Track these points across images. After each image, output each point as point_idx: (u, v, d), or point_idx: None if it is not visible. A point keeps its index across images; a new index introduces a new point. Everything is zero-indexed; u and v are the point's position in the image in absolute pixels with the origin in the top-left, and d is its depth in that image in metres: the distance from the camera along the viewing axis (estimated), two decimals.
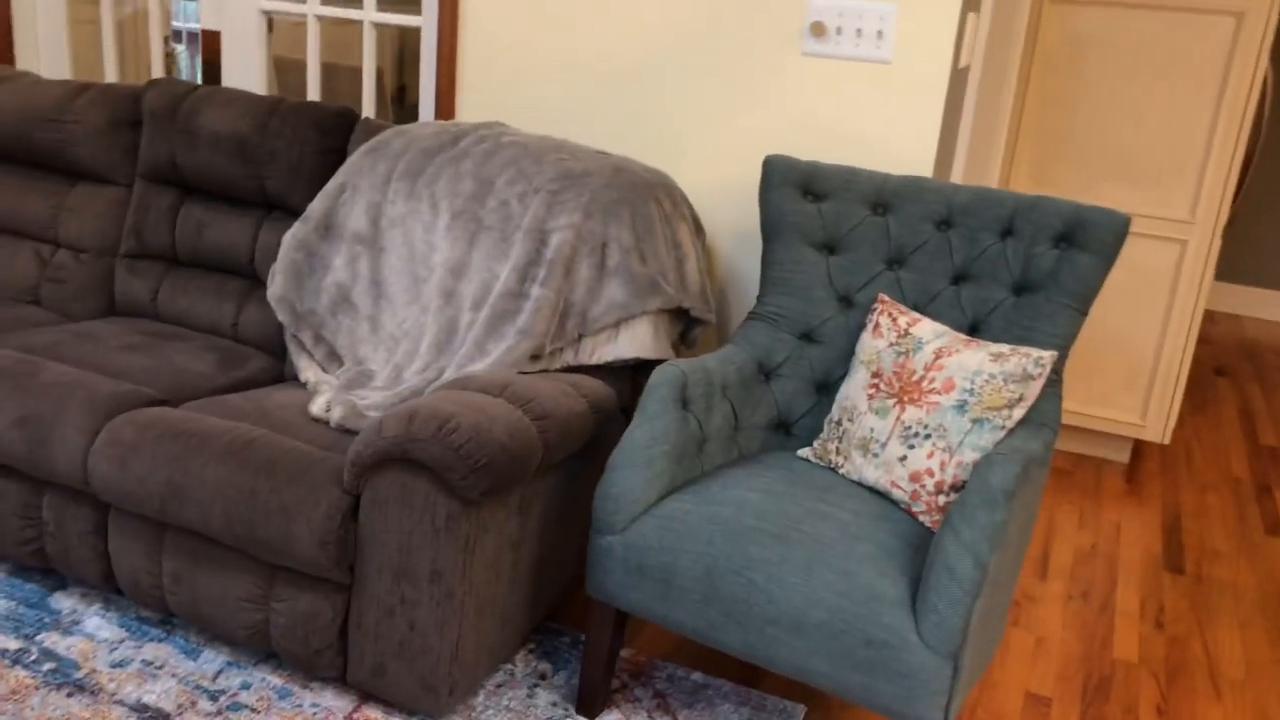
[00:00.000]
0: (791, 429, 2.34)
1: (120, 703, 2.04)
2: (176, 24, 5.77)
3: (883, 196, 2.32)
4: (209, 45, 3.24)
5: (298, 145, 2.65)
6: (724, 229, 2.71)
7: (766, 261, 2.39)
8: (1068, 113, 3.49)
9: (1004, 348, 2.02)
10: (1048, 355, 1.98)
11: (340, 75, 4.39)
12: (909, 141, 2.46)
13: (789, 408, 2.33)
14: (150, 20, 3.48)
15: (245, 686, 2.12)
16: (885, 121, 2.48)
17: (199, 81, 3.30)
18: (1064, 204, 2.14)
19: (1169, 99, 3.37)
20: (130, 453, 2.09)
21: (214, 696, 2.08)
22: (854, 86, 2.49)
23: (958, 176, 2.75)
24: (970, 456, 1.96)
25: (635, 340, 2.35)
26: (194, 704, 2.06)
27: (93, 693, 2.06)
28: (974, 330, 2.20)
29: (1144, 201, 3.47)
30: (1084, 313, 2.10)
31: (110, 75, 3.65)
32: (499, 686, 2.20)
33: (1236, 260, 6.05)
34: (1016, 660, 2.51)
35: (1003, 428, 1.97)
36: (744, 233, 2.70)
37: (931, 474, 1.99)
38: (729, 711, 2.19)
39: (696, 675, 2.30)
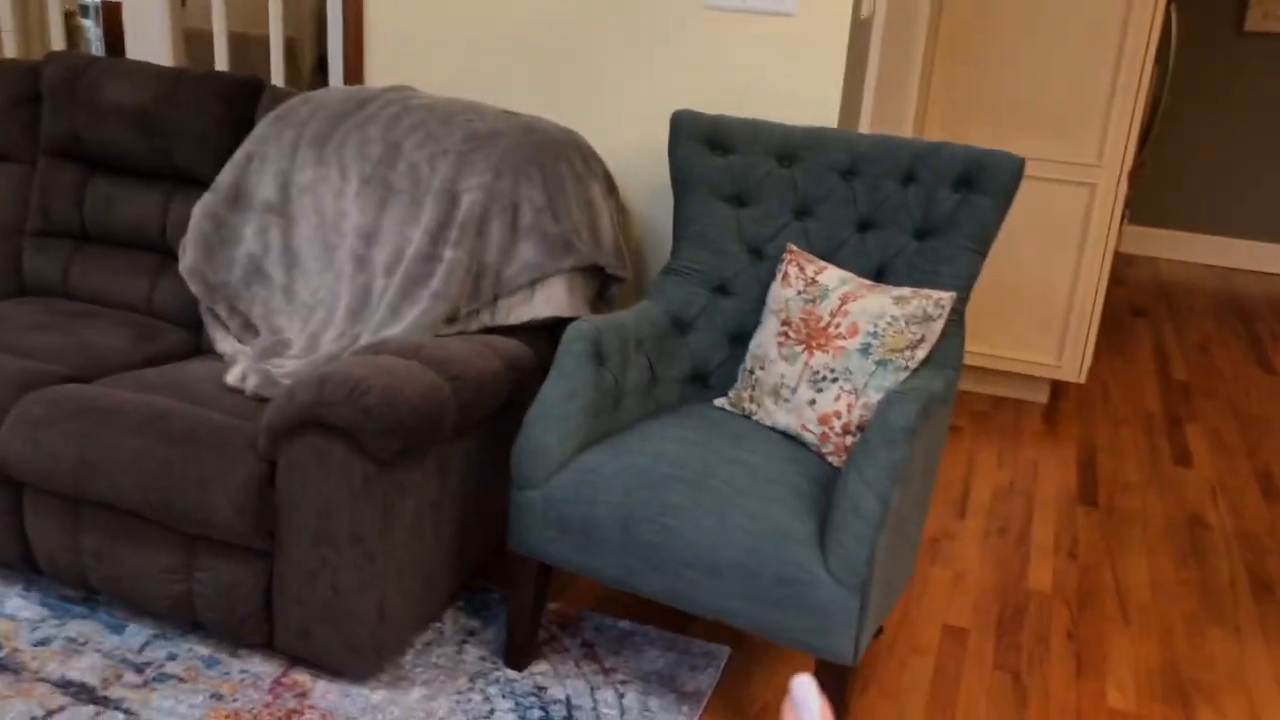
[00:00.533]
0: (708, 380, 2.38)
1: (44, 680, 2.04)
2: None
3: (788, 148, 2.35)
4: (110, 17, 3.17)
5: (203, 116, 2.62)
6: (637, 186, 2.73)
7: (678, 217, 2.41)
8: (977, 63, 3.55)
9: (905, 291, 2.07)
10: (947, 296, 2.04)
11: (257, 46, 4.32)
12: (813, 93, 2.50)
13: (705, 359, 2.37)
14: None
15: (172, 657, 2.13)
16: (790, 73, 2.51)
17: (99, 54, 3.24)
18: (961, 149, 2.19)
19: (1072, 47, 3.44)
20: (42, 430, 2.08)
21: (140, 669, 2.09)
22: (758, 39, 2.51)
23: (865, 127, 2.80)
24: (875, 398, 2.02)
25: (551, 299, 2.37)
26: (120, 677, 2.06)
27: (15, 671, 2.06)
28: (879, 275, 2.25)
29: (1053, 147, 3.55)
30: (983, 254, 2.16)
31: (10, 51, 3.56)
32: (428, 645, 2.23)
33: (1151, 204, 6.21)
34: (935, 595, 2.59)
35: (906, 368, 2.02)
36: (657, 189, 2.72)
37: (839, 416, 2.04)
38: (655, 656, 2.25)
39: (624, 624, 2.35)
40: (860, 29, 2.58)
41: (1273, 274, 6.04)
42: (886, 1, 2.74)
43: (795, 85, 2.51)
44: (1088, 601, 2.61)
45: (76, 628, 2.20)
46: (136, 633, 2.20)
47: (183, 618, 2.12)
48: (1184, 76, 5.97)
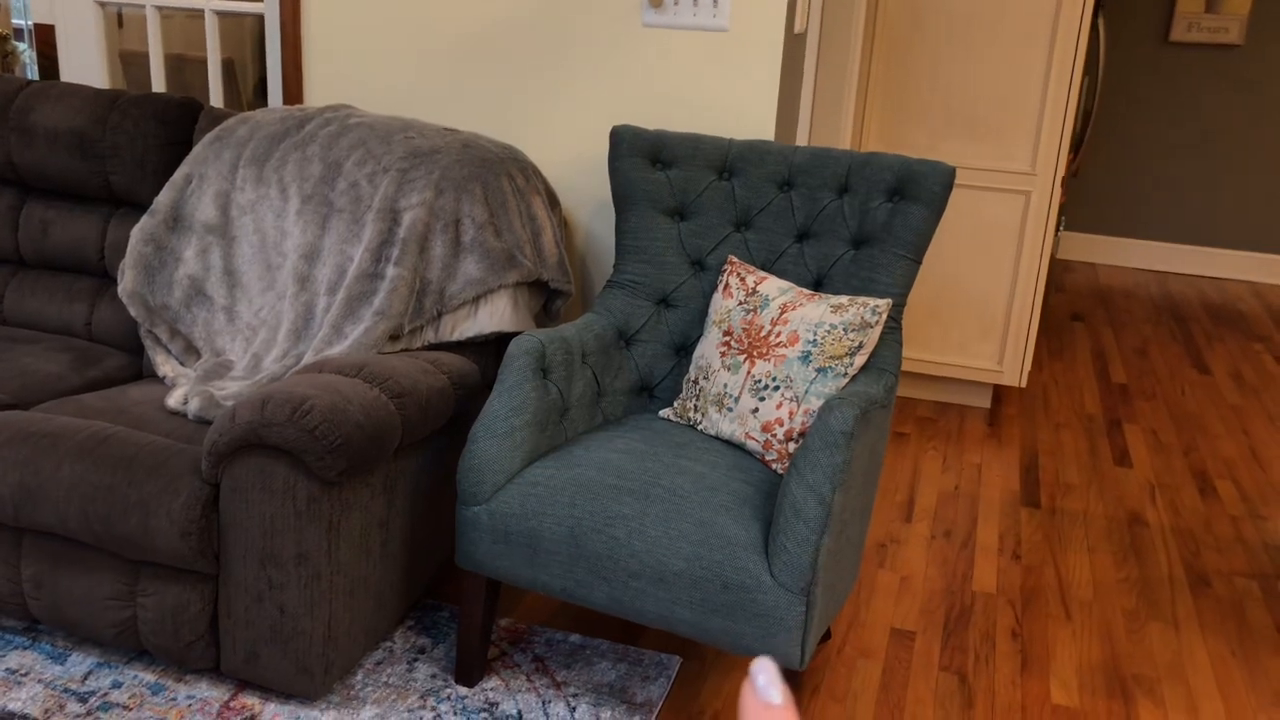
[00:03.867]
0: (654, 391, 2.40)
1: None
2: (17, 21, 5.54)
3: (727, 161, 2.39)
4: (43, 39, 3.14)
5: (140, 138, 2.60)
6: (580, 200, 2.75)
7: (620, 230, 2.44)
8: (912, 74, 3.62)
9: (843, 299, 2.11)
10: (883, 304, 2.08)
11: (194, 68, 4.29)
12: (750, 107, 2.54)
13: (650, 371, 2.39)
14: None
15: (116, 685, 2.10)
16: (726, 88, 2.55)
17: (35, 78, 3.20)
18: (894, 159, 2.24)
19: (1004, 57, 3.53)
20: None
21: (83, 698, 2.06)
22: (694, 55, 2.55)
23: (803, 139, 2.85)
24: (816, 404, 2.05)
25: (495, 314, 2.38)
26: (62, 707, 2.03)
27: None
28: (818, 284, 2.29)
29: (987, 156, 3.63)
30: (918, 261, 2.21)
31: None
32: (378, 664, 2.22)
33: (1087, 210, 6.35)
34: (882, 599, 2.63)
35: (845, 375, 2.06)
36: (600, 203, 2.74)
37: (781, 423, 2.07)
38: (606, 668, 2.25)
39: (575, 637, 2.36)
40: (794, 43, 2.63)
41: (1206, 277, 6.19)
42: (820, 16, 2.79)
43: (732, 99, 2.55)
44: (1031, 601, 2.66)
45: (17, 659, 2.17)
46: (80, 661, 2.17)
47: (127, 645, 2.09)
48: (1114, 86, 6.12)
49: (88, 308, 2.69)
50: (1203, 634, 2.55)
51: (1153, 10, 5.95)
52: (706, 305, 2.37)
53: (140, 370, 2.59)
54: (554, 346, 2.17)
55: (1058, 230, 4.74)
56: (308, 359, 2.28)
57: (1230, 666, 2.43)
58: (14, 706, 2.03)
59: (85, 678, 2.12)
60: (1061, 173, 3.60)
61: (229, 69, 4.44)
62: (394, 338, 2.29)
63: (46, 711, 2.02)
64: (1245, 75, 5.90)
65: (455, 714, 2.08)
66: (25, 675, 2.12)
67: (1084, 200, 6.34)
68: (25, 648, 2.20)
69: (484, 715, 2.08)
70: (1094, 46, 4.54)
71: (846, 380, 2.06)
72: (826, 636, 2.44)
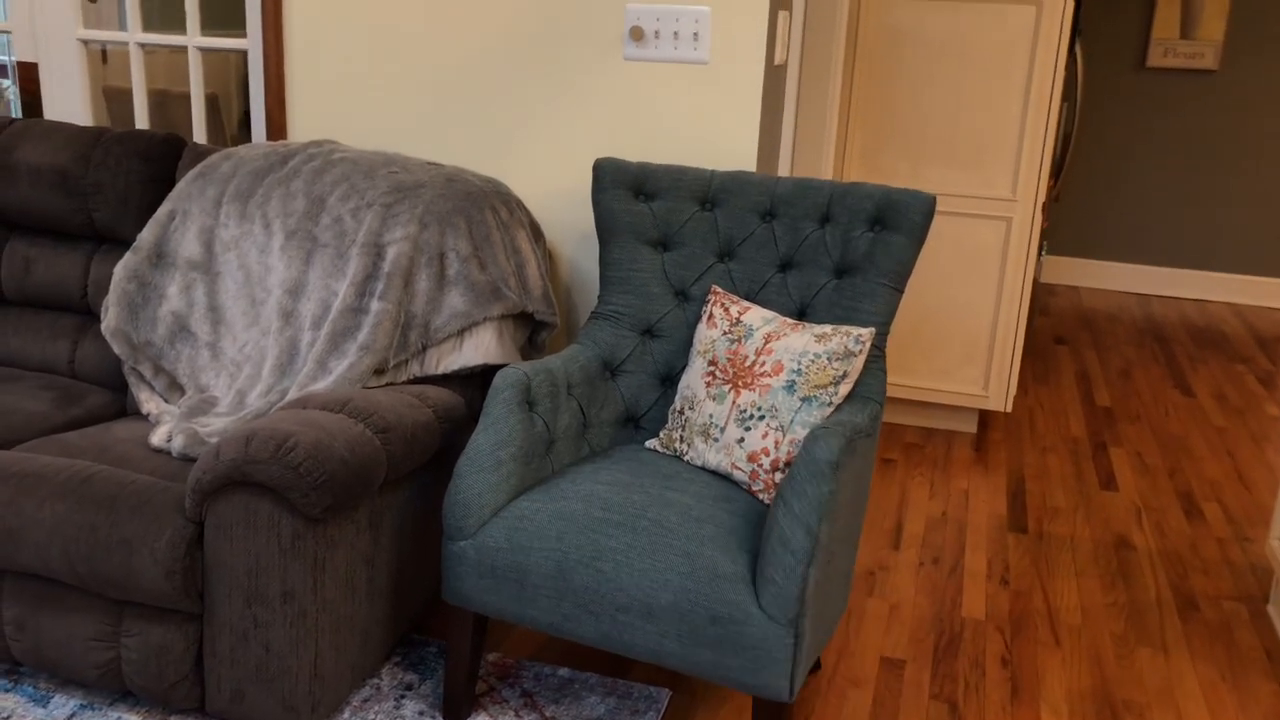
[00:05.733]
0: (640, 422, 2.40)
1: None
2: (1, 58, 5.54)
3: (710, 192, 2.40)
4: (26, 76, 3.15)
5: (123, 175, 2.60)
6: (564, 232, 2.76)
7: (604, 262, 2.44)
8: (892, 103, 3.65)
9: (827, 328, 2.12)
10: (866, 333, 2.09)
11: (179, 103, 4.30)
12: (732, 138, 2.56)
13: (635, 402, 2.39)
14: None
15: None
16: (708, 120, 2.57)
17: (18, 115, 3.20)
18: (875, 188, 2.25)
19: (983, 84, 3.56)
20: None
21: None
22: (676, 87, 2.57)
23: (785, 169, 2.86)
24: (801, 434, 2.05)
25: (480, 347, 2.38)
26: None
27: None
28: (802, 314, 2.30)
29: (968, 182, 3.66)
30: (900, 290, 2.22)
31: None
32: (365, 701, 2.20)
33: (1069, 234, 6.40)
34: (872, 627, 2.62)
35: (830, 404, 2.06)
36: (584, 235, 2.75)
37: (767, 453, 2.07)
38: (595, 703, 2.24)
39: (563, 671, 2.34)
40: (774, 74, 2.65)
41: (1188, 299, 6.24)
42: (800, 47, 2.82)
43: (714, 131, 2.57)
44: (1020, 627, 2.66)
45: None
46: (62, 704, 2.14)
47: (111, 686, 2.07)
48: (1093, 111, 6.18)
49: (71, 345, 2.68)
50: (1192, 658, 2.55)
51: (1129, 37, 6.02)
52: (691, 335, 2.37)
53: (124, 408, 2.58)
54: (539, 379, 2.17)
55: (1040, 255, 4.78)
56: (292, 395, 2.27)
57: (1220, 691, 2.43)
58: None
59: None
60: (1042, 198, 3.63)
61: (213, 104, 4.46)
62: (379, 372, 2.29)
63: None
64: (1222, 100, 5.97)
65: None
66: (7, 719, 2.09)
67: (1066, 224, 6.39)
68: (6, 690, 2.18)
69: None
70: (1071, 72, 4.59)
71: (831, 409, 2.07)
72: (816, 666, 2.43)
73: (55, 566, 1.98)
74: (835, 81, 3.42)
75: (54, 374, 2.68)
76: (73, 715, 2.11)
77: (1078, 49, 4.46)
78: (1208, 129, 6.02)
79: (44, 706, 2.13)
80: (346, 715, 2.15)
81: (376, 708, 2.18)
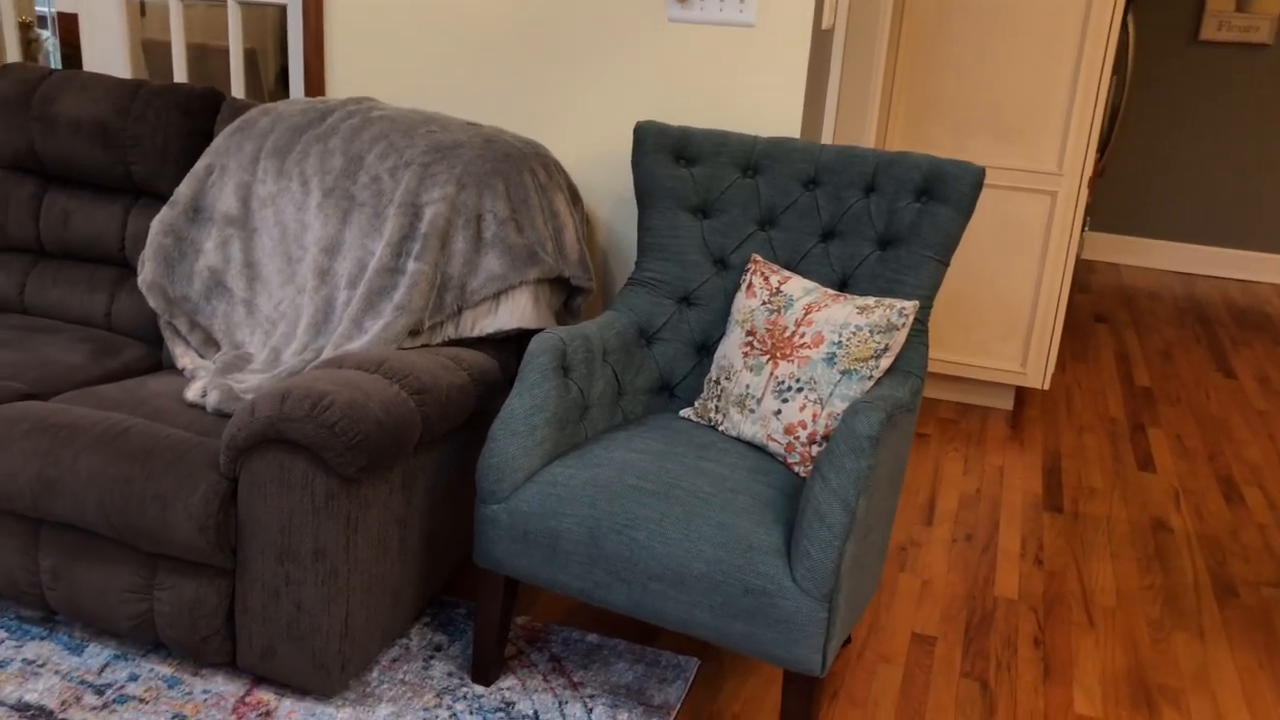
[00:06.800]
0: (674, 391, 2.38)
1: (1, 703, 2.00)
2: (41, 9, 5.55)
3: (752, 159, 2.36)
4: (66, 28, 3.14)
5: (162, 129, 2.59)
6: (602, 197, 2.73)
7: (642, 228, 2.41)
8: (938, 72, 3.58)
9: (869, 300, 2.08)
10: (910, 305, 2.05)
11: (216, 58, 4.29)
12: (776, 103, 2.51)
13: (670, 370, 2.36)
14: (2, 4, 3.35)
15: (133, 678, 2.10)
16: (752, 84, 2.52)
17: (58, 66, 3.20)
18: (922, 158, 2.20)
19: (1032, 55, 3.48)
20: None
21: (100, 690, 2.05)
22: (720, 51, 2.52)
23: (828, 137, 2.81)
24: (840, 407, 2.02)
25: (516, 311, 2.36)
26: (79, 699, 2.03)
27: None
28: (843, 285, 2.26)
29: (1014, 155, 3.59)
30: (945, 263, 2.18)
31: None
32: (394, 661, 2.21)
33: (1112, 210, 6.28)
34: (903, 603, 2.60)
35: (870, 378, 2.03)
36: (622, 199, 2.72)
37: (804, 426, 2.04)
38: (624, 669, 2.23)
39: (592, 637, 2.34)
40: (821, 39, 2.60)
41: (1232, 279, 6.13)
42: (847, 12, 2.75)
43: (758, 96, 2.52)
44: (1054, 607, 2.63)
45: (34, 649, 2.16)
46: (96, 653, 2.16)
47: (143, 637, 2.08)
48: (1142, 85, 6.05)
49: (108, 298, 2.68)
50: (1229, 644, 2.52)
51: (1183, 8, 5.88)
52: (729, 304, 2.34)
53: (159, 362, 2.58)
54: (575, 344, 2.15)
55: (1083, 230, 4.69)
56: (327, 353, 2.26)
57: (1258, 678, 2.39)
58: (31, 698, 2.02)
59: (102, 670, 2.12)
60: (1089, 173, 3.55)
61: (251, 59, 4.44)
62: (414, 333, 2.28)
63: (63, 703, 2.01)
64: (1275, 75, 5.82)
65: (471, 713, 2.06)
66: (42, 666, 2.11)
67: (1108, 200, 6.27)
68: (43, 638, 2.20)
69: (500, 715, 2.06)
70: (1123, 44, 4.48)
71: (871, 383, 2.03)
72: (846, 640, 2.41)
73: (91, 518, 1.99)
74: (881, 48, 3.35)
75: (91, 326, 2.68)
76: (106, 665, 2.13)
77: (1130, 20, 4.34)
78: (1260, 104, 5.87)
79: (79, 655, 2.15)
80: (375, 674, 2.16)
81: (405, 668, 2.18)
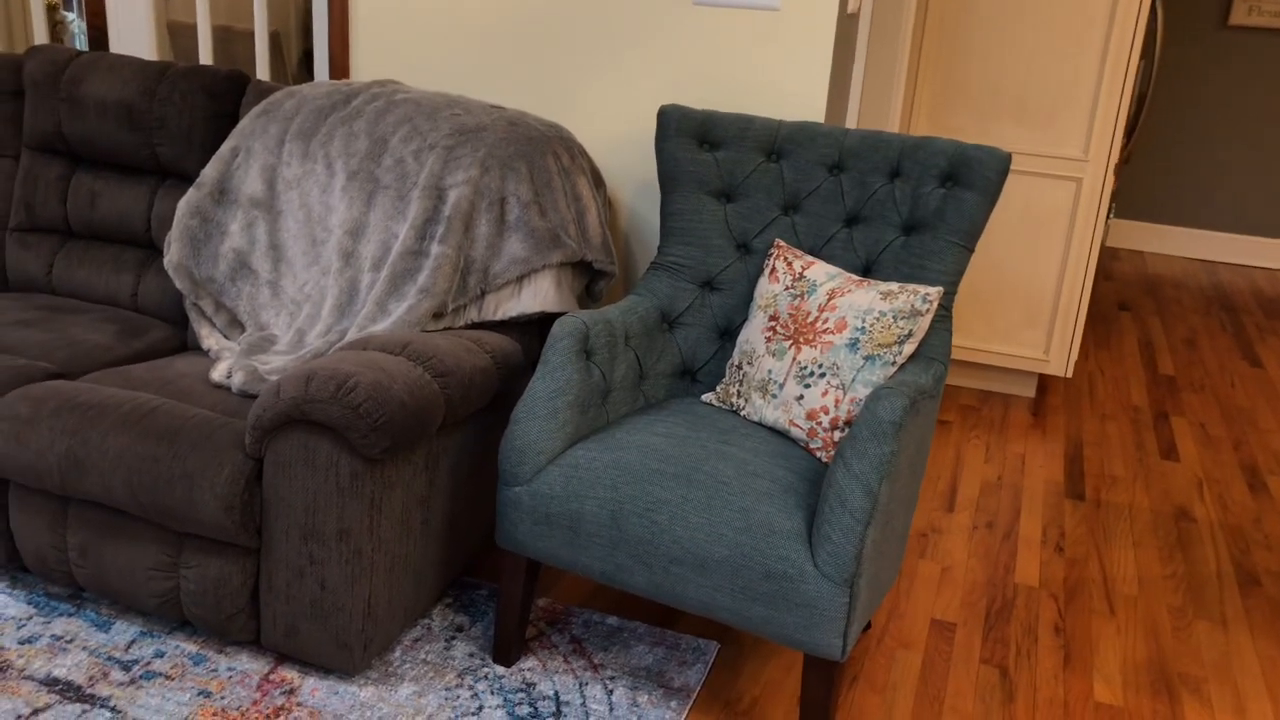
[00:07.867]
0: (696, 375, 2.38)
1: (29, 678, 2.03)
2: None
3: (776, 143, 2.35)
4: (93, 10, 3.15)
5: (188, 111, 2.60)
6: (625, 180, 2.73)
7: (665, 212, 2.41)
8: (963, 57, 3.56)
9: (893, 286, 2.07)
10: (934, 291, 2.04)
11: (241, 40, 4.30)
12: (800, 88, 2.50)
13: (693, 355, 2.37)
14: None
15: (159, 655, 2.12)
16: (777, 68, 2.51)
17: (84, 49, 3.22)
18: (948, 143, 2.19)
19: (1059, 41, 3.45)
20: (27, 427, 2.06)
21: (126, 666, 2.08)
22: (745, 34, 2.51)
23: (852, 121, 2.80)
24: (863, 393, 2.02)
25: (539, 294, 2.37)
26: (106, 675, 2.05)
27: (0, 670, 2.04)
28: (867, 271, 2.25)
29: (1039, 141, 3.56)
30: (970, 249, 2.17)
31: None
32: (416, 641, 2.22)
33: (1137, 197, 6.23)
34: (923, 589, 2.60)
35: (893, 363, 2.03)
36: (645, 183, 2.72)
37: (827, 411, 2.04)
38: (644, 652, 2.25)
39: (612, 619, 2.35)
40: (847, 23, 2.58)
41: (1258, 267, 6.07)
42: None
43: (782, 80, 2.51)
44: (1075, 595, 2.62)
45: (63, 625, 2.19)
46: (123, 630, 2.19)
47: (169, 615, 2.11)
48: (1170, 71, 5.99)
49: (134, 279, 2.70)
50: (1252, 634, 2.51)
51: None
52: (752, 289, 2.34)
53: (185, 342, 2.60)
54: (597, 328, 2.15)
55: (1107, 217, 4.65)
56: (351, 335, 2.27)
57: None
58: (59, 673, 2.05)
59: (129, 646, 2.14)
60: (1115, 160, 3.52)
61: (275, 42, 4.45)
62: (438, 316, 2.29)
63: (90, 679, 2.04)
64: None
65: (492, 694, 2.08)
66: (70, 642, 2.14)
67: (1133, 187, 6.22)
68: (70, 615, 2.23)
69: (521, 696, 2.08)
70: (1151, 29, 4.44)
71: (895, 369, 2.03)
72: (866, 626, 2.41)
73: (118, 496, 2.02)
74: (906, 32, 3.32)
75: (117, 306, 2.71)
76: (133, 641, 2.16)
77: (1159, 4, 4.30)
78: None
79: (105, 632, 2.18)
80: (397, 654, 2.18)
81: (427, 648, 2.20)
